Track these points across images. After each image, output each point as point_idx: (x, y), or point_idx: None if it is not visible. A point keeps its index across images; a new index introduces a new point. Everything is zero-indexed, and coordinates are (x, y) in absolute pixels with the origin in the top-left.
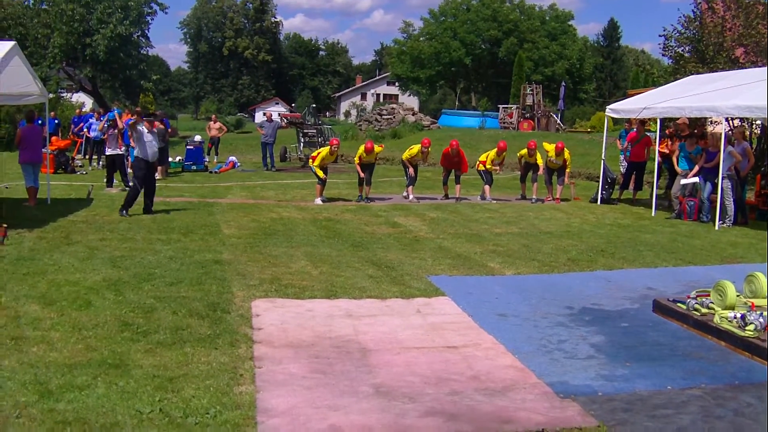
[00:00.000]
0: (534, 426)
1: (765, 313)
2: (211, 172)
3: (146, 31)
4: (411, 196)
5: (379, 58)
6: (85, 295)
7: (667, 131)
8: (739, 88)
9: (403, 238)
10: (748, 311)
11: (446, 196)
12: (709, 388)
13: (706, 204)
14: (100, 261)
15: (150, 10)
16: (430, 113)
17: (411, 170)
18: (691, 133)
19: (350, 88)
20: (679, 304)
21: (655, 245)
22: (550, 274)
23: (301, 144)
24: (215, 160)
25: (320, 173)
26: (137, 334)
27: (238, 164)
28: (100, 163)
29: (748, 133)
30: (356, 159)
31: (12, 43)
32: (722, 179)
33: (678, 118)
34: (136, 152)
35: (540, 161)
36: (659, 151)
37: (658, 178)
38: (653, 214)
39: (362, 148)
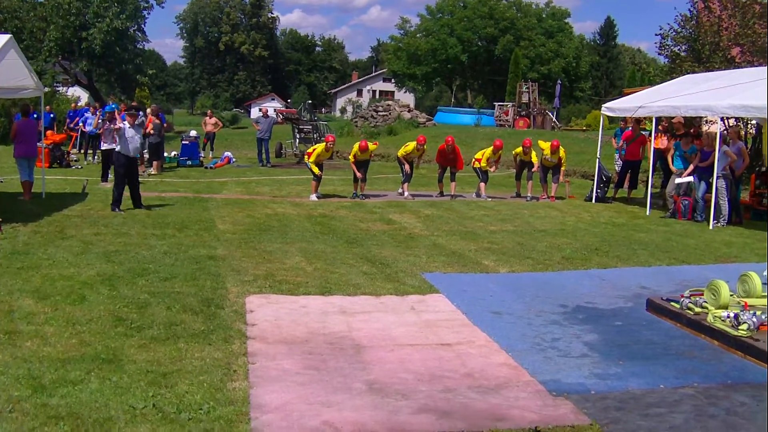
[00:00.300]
0: (527, 424)
1: (758, 313)
2: (206, 168)
3: (142, 26)
4: (406, 193)
5: (375, 55)
6: (79, 289)
7: (660, 126)
8: (734, 88)
9: (398, 235)
10: (741, 311)
11: (441, 194)
12: (702, 387)
13: (700, 203)
14: (95, 256)
15: (146, 5)
16: (426, 110)
17: (407, 167)
18: (686, 132)
19: (346, 85)
20: (672, 303)
21: (649, 244)
22: (544, 272)
23: (297, 140)
24: (210, 156)
25: (315, 169)
26: (131, 329)
27: (234, 160)
28: (95, 157)
29: (743, 132)
30: (351, 157)
31: (8, 36)
32: (717, 179)
33: (673, 117)
34: (117, 148)
35: (535, 159)
36: (654, 148)
37: (652, 175)
38: (648, 213)
39: (356, 146)
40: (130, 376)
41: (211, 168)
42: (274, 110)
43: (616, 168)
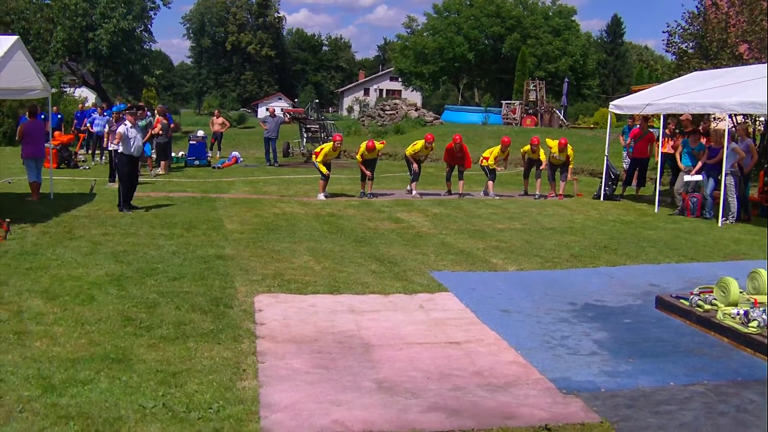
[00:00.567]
0: (537, 422)
1: None
2: (213, 168)
3: (149, 26)
4: (414, 192)
5: (381, 54)
6: (88, 289)
7: (667, 130)
8: (742, 85)
9: (406, 233)
10: (751, 308)
11: (449, 192)
12: (712, 385)
13: (709, 200)
14: (103, 256)
15: (153, 5)
16: (433, 109)
17: (415, 166)
18: (694, 129)
19: (353, 84)
20: (682, 301)
21: (657, 241)
22: (552, 270)
23: (304, 139)
24: (218, 156)
25: (323, 169)
26: (140, 329)
27: (241, 159)
28: (103, 158)
29: (751, 129)
30: (358, 157)
31: (15, 37)
32: (726, 176)
33: (681, 114)
34: (120, 149)
35: (543, 157)
36: (662, 153)
37: (661, 175)
38: (656, 210)
39: (363, 146)
40: (140, 376)
41: (218, 168)
42: (282, 110)
43: (624, 165)
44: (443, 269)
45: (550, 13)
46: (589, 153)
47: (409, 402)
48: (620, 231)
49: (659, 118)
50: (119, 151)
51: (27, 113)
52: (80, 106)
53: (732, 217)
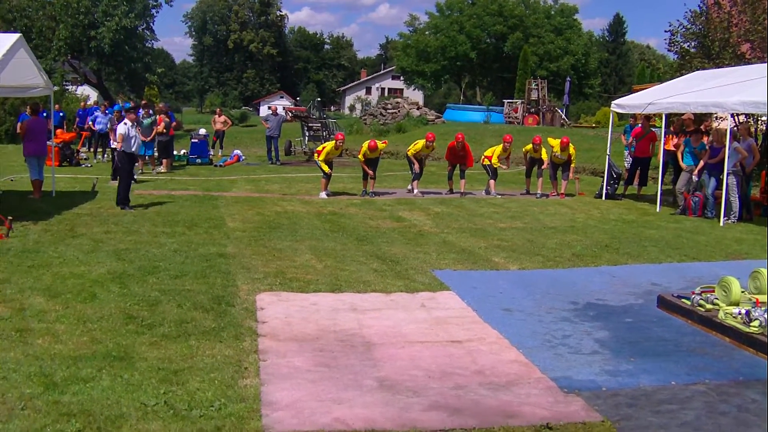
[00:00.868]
0: (538, 420)
1: None
2: (215, 166)
3: (151, 24)
4: (416, 191)
5: (384, 52)
6: (90, 287)
7: (671, 128)
8: (744, 84)
9: (408, 232)
10: (752, 307)
11: (451, 191)
12: (714, 384)
13: (710, 200)
14: (105, 254)
15: (155, 3)
16: (435, 107)
17: (416, 166)
18: (696, 128)
19: (355, 82)
20: (683, 300)
21: (659, 241)
22: (554, 269)
23: (306, 138)
24: (220, 154)
25: (325, 167)
26: (142, 326)
27: (243, 158)
28: (105, 156)
29: (753, 129)
30: (360, 157)
31: (17, 35)
32: (728, 175)
33: (683, 114)
34: (121, 147)
35: (545, 156)
36: (664, 149)
37: (664, 172)
38: (658, 209)
39: (365, 146)
40: (142, 374)
41: (220, 166)
42: (284, 108)
43: (626, 165)
44: (445, 268)
45: (552, 12)
46: (591, 152)
47: (410, 400)
48: (622, 230)
49: (661, 118)
50: (120, 149)
51: (28, 110)
52: (82, 104)
53: (734, 217)
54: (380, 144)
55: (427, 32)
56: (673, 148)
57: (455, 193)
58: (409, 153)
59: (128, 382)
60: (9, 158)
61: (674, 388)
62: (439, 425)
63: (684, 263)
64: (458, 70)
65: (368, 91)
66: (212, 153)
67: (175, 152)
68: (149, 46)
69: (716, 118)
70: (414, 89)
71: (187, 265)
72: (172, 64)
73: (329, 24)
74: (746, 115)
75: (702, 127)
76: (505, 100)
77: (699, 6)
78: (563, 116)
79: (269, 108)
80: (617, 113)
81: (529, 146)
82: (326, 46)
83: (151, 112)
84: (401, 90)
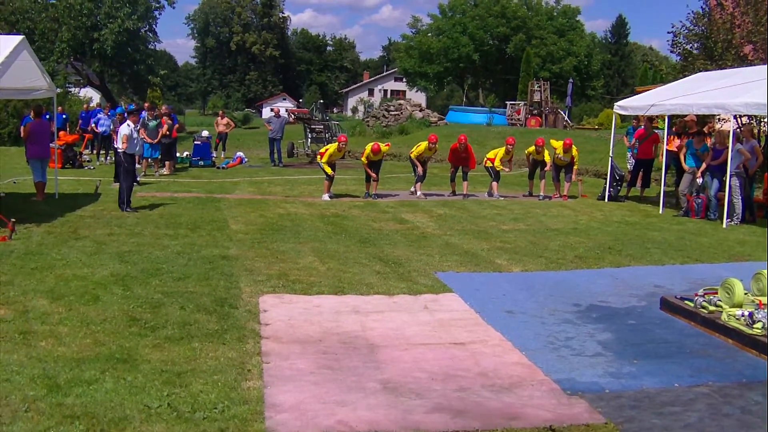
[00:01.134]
0: (541, 423)
1: None
2: (218, 168)
3: (154, 26)
4: (418, 193)
5: (386, 54)
6: (93, 289)
7: (674, 129)
8: (747, 86)
9: (411, 234)
10: (755, 309)
11: (454, 193)
12: (717, 386)
13: (713, 202)
14: (108, 256)
15: (157, 5)
16: (438, 109)
17: (419, 168)
18: (698, 130)
19: (357, 84)
20: (686, 302)
21: (662, 243)
22: (557, 271)
23: (309, 140)
24: (223, 156)
25: (328, 169)
26: (145, 329)
27: (246, 160)
28: (108, 158)
29: (756, 130)
30: (363, 159)
31: (20, 37)
32: (731, 177)
33: (686, 115)
34: (125, 149)
35: (548, 158)
36: (667, 150)
37: (666, 173)
38: (661, 211)
39: (368, 149)
40: (145, 376)
41: (223, 168)
42: (286, 110)
43: (629, 166)
44: (448, 270)
45: (555, 14)
46: (594, 154)
47: (413, 402)
48: (625, 232)
49: (664, 119)
50: (124, 151)
51: (32, 113)
52: (85, 106)
53: (737, 219)
54: (384, 147)
55: (429, 34)
56: (675, 149)
57: (458, 195)
58: (411, 155)
59: (131, 384)
60: (12, 160)
61: (677, 390)
62: (442, 427)
63: (687, 265)
64: (461, 72)
65: (371, 93)
66: (215, 155)
67: (177, 154)
68: (152, 48)
69: (719, 119)
70: (417, 91)
71: (190, 268)
72: (174, 66)
73: (332, 26)
74: (749, 116)
75: (705, 128)
76: (508, 102)
77: (702, 7)
78: (566, 118)
79: (272, 110)
80: (620, 115)
81: (532, 148)
82: (329, 48)
83: (155, 114)
84: (404, 92)
